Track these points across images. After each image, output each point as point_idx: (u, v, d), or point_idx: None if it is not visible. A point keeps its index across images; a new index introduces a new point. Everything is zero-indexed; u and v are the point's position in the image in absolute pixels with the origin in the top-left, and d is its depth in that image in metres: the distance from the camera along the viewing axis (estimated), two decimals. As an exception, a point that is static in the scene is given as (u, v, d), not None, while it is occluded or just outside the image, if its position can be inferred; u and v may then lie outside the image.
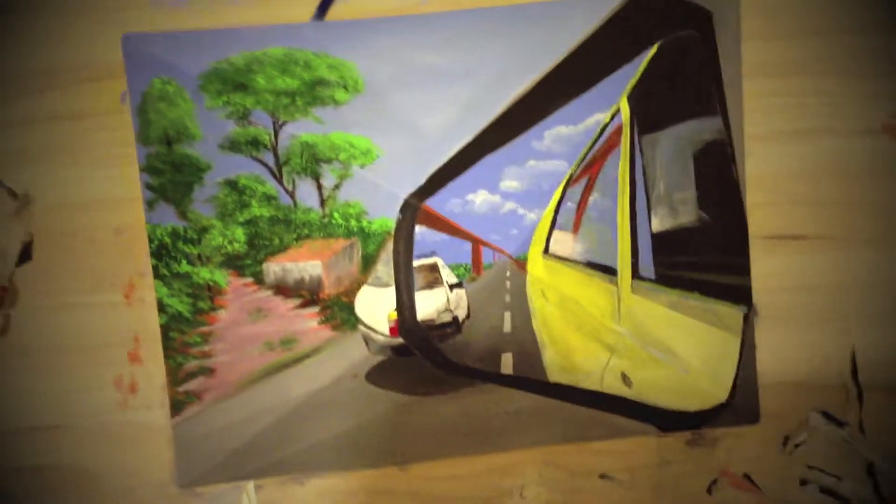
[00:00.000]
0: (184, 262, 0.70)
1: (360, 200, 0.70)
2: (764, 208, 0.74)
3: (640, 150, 0.70)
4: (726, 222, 0.71)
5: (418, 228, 0.70)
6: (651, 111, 0.70)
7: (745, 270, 0.73)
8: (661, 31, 0.69)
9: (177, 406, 0.72)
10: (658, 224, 0.70)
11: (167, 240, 0.70)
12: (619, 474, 0.77)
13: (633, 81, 0.69)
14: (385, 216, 0.70)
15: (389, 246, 0.70)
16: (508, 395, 0.73)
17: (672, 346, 0.71)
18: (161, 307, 0.71)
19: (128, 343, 0.73)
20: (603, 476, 0.77)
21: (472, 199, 0.69)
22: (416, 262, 0.70)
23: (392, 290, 0.71)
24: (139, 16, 0.70)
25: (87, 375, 0.73)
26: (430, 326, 0.72)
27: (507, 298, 0.72)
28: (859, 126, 0.74)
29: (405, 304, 0.70)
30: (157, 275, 0.71)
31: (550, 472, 0.77)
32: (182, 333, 0.71)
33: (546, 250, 0.72)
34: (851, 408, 0.77)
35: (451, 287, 0.71)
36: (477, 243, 0.71)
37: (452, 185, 0.69)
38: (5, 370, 0.72)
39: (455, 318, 0.72)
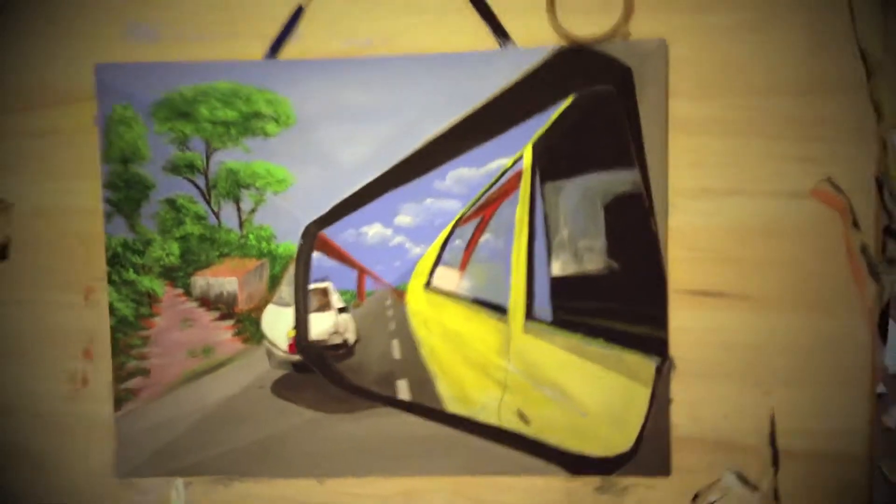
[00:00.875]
0: (131, 270, 0.78)
1: (271, 225, 0.76)
2: (686, 263, 0.76)
3: (542, 196, 0.73)
4: (641, 273, 0.74)
5: (315, 254, 0.76)
6: (557, 160, 0.73)
7: (660, 322, 0.74)
8: (579, 84, 0.72)
9: (118, 402, 0.80)
10: (559, 269, 0.73)
11: (119, 249, 0.78)
12: (526, 512, 0.79)
13: (541, 130, 0.73)
14: (290, 241, 0.76)
15: (292, 268, 0.76)
16: (410, 421, 0.77)
17: (568, 389, 0.74)
18: (111, 310, 0.80)
19: (84, 341, 0.82)
20: (511, 512, 0.79)
21: (365, 231, 0.75)
22: (311, 286, 0.76)
23: (292, 310, 0.77)
24: (112, 47, 0.79)
25: (45, 366, 0.82)
26: (323, 346, 0.77)
27: (392, 326, 0.77)
28: (788, 188, 0.75)
29: (302, 323, 0.76)
30: (109, 280, 0.79)
31: (457, 502, 0.80)
32: (125, 335, 0.79)
33: (428, 284, 0.76)
34: (767, 471, 0.77)
35: (340, 311, 0.76)
36: (362, 272, 0.76)
37: (352, 217, 0.74)
38: (-24, 355, 0.83)
39: (345, 341, 0.77)
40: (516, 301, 0.74)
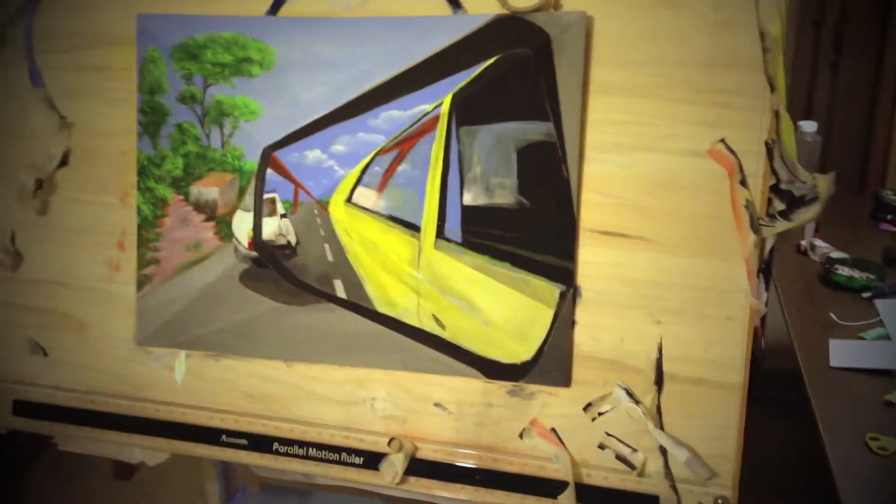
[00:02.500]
0: (152, 179, 1.00)
1: (242, 146, 0.97)
2: (596, 207, 0.91)
3: (458, 138, 0.89)
4: (551, 211, 0.89)
5: (269, 171, 0.95)
6: (474, 108, 0.89)
7: (568, 255, 0.89)
8: (504, 47, 0.88)
9: (139, 284, 1.03)
10: (471, 199, 0.89)
11: (145, 163, 1.01)
12: (449, 406, 0.97)
13: (462, 83, 0.89)
14: (253, 160, 0.97)
15: (253, 181, 0.96)
16: (352, 317, 0.96)
17: (473, 301, 0.91)
18: (138, 211, 1.02)
19: (118, 234, 1.05)
20: (437, 404, 0.97)
21: (306, 155, 0.94)
22: (265, 195, 0.95)
23: (252, 214, 0.97)
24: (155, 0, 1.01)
25: (88, 252, 1.07)
26: (273, 245, 0.97)
27: (322, 232, 0.95)
28: (688, 147, 0.88)
29: (257, 225, 0.97)
30: (138, 187, 1.02)
31: (396, 393, 0.98)
32: (146, 232, 1.02)
33: (349, 199, 0.94)
34: (650, 390, 0.90)
35: (282, 217, 0.95)
36: (297, 186, 0.94)
37: (302, 143, 0.94)
38: (41, 238, 1.08)
39: (289, 242, 0.96)
40: (428, 221, 0.91)
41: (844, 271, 1.82)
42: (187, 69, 0.98)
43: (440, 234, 0.92)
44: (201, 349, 1.02)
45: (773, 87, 0.86)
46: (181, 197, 1.00)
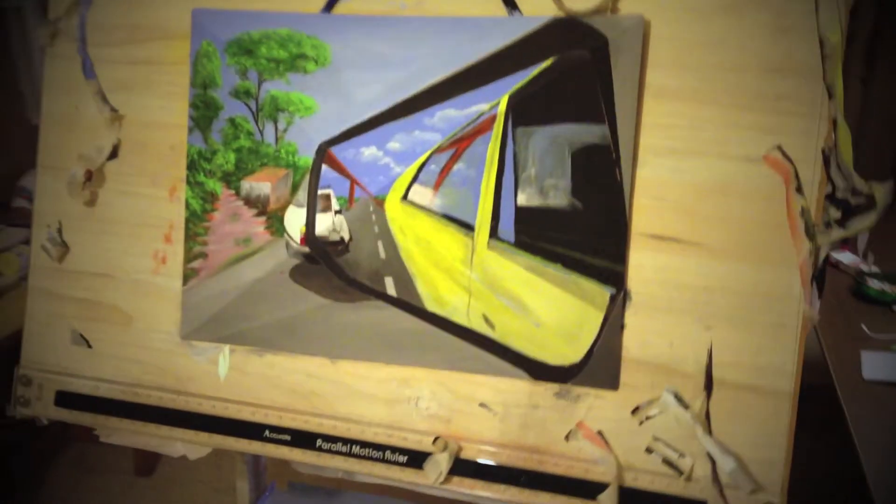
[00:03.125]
0: (201, 174, 1.02)
1: (296, 142, 0.98)
2: (648, 210, 0.91)
3: (513, 138, 0.90)
4: (603, 214, 0.89)
5: (323, 167, 0.96)
6: (531, 109, 0.90)
7: (618, 258, 0.90)
8: (561, 49, 0.88)
9: (185, 278, 1.04)
10: (525, 200, 0.90)
11: (195, 157, 1.02)
12: (494, 406, 0.97)
13: (520, 84, 0.90)
14: (307, 156, 0.98)
15: (307, 177, 0.97)
16: (400, 315, 0.97)
17: (524, 301, 0.91)
18: (187, 205, 1.03)
19: (165, 227, 1.06)
20: (482, 405, 0.98)
21: (362, 151, 0.95)
22: (319, 191, 0.96)
23: (305, 210, 0.98)
24: (208, -4, 1.02)
25: (136, 245, 1.08)
26: (326, 241, 0.98)
27: (376, 229, 0.96)
28: (743, 153, 0.88)
29: (310, 221, 0.98)
30: (187, 181, 1.03)
31: (440, 392, 0.99)
32: (195, 225, 1.03)
33: (405, 197, 0.94)
34: (699, 395, 0.91)
35: (336, 213, 0.96)
36: (353, 182, 0.95)
37: (357, 139, 0.95)
38: (89, 229, 1.09)
39: (342, 238, 0.97)
40: (482, 221, 0.92)
41: (876, 284, 1.82)
42: (242, 64, 0.99)
43: (493, 233, 0.92)
44: (245, 344, 1.03)
45: (831, 95, 0.86)
46: (232, 191, 1.02)
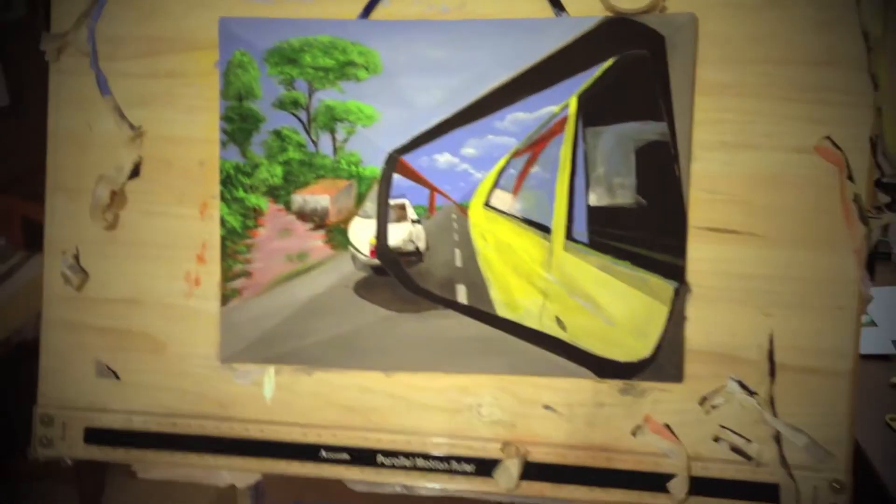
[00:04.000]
0: (240, 189, 0.99)
1: (359, 152, 0.97)
2: (704, 204, 0.94)
3: (584, 139, 0.92)
4: (665, 209, 0.92)
5: (395, 176, 0.96)
6: (598, 109, 0.92)
7: (679, 252, 0.93)
8: (619, 48, 0.91)
9: (224, 299, 1.01)
10: (595, 199, 0.92)
11: (232, 172, 0.99)
12: (559, 407, 0.99)
13: (586, 84, 0.91)
14: (374, 165, 0.97)
15: (375, 187, 0.97)
16: (467, 322, 0.97)
17: (598, 300, 0.93)
18: (222, 222, 1.00)
19: (197, 247, 1.03)
20: (546, 407, 0.99)
21: (437, 158, 0.95)
22: (391, 201, 0.96)
23: (374, 222, 0.98)
24: (235, 4, 1.00)
25: (165, 267, 1.04)
26: (399, 253, 0.97)
27: (456, 237, 0.96)
28: (794, 144, 0.93)
29: (381, 233, 0.96)
30: (222, 198, 1.00)
31: (503, 397, 1.00)
32: (234, 243, 1.00)
33: (487, 203, 0.95)
34: (765, 381, 0.94)
35: (414, 222, 0.96)
36: (433, 190, 0.95)
37: (428, 147, 0.95)
38: (111, 254, 1.04)
39: (417, 248, 0.96)
40: (558, 223, 0.93)
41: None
42: (287, 74, 0.96)
43: (569, 235, 0.94)
44: (293, 363, 1.01)
45: (876, 85, 0.91)
46: (280, 206, 0.99)
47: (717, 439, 0.97)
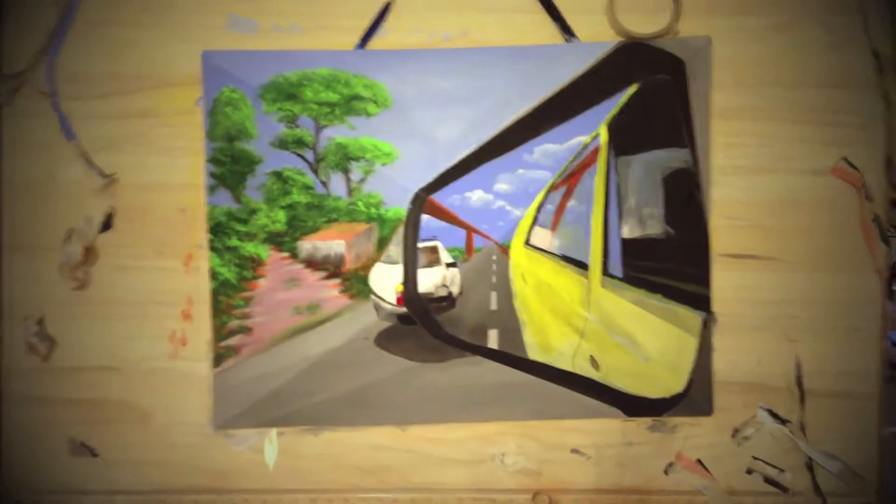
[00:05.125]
0: (234, 237, 0.91)
1: (380, 192, 0.91)
2: (725, 230, 0.94)
3: (615, 169, 0.90)
4: (691, 239, 0.91)
5: (424, 217, 0.90)
6: (627, 138, 0.90)
7: (705, 281, 0.91)
8: (640, 74, 0.89)
9: (218, 358, 0.93)
10: (628, 232, 0.90)
11: (222, 219, 0.92)
12: (587, 450, 0.95)
13: (613, 112, 0.89)
14: (398, 206, 0.92)
15: (400, 230, 0.91)
16: (493, 369, 0.93)
17: (634, 336, 0.90)
18: (213, 275, 0.93)
19: (182, 303, 0.94)
20: (573, 451, 0.95)
21: (469, 196, 0.91)
22: (420, 244, 0.91)
23: (400, 267, 0.92)
24: (215, 36, 0.93)
25: (145, 327, 0.95)
26: (429, 299, 0.92)
27: (494, 279, 0.92)
28: (811, 167, 0.93)
29: (410, 279, 0.91)
30: (212, 247, 0.93)
31: (527, 444, 0.96)
32: (228, 297, 0.92)
33: (527, 242, 0.92)
34: (795, 409, 0.94)
35: (448, 266, 0.91)
36: (470, 231, 0.91)
37: (456, 184, 0.90)
38: (82, 317, 0.95)
39: (450, 294, 0.92)
40: (595, 259, 0.91)
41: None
42: (288, 111, 0.90)
43: (605, 270, 0.91)
44: (299, 424, 0.94)
45: (888, 104, 0.93)
46: (285, 254, 0.92)
47: (750, 471, 0.96)
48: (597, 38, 0.92)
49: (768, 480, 0.96)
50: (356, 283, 0.93)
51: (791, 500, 0.96)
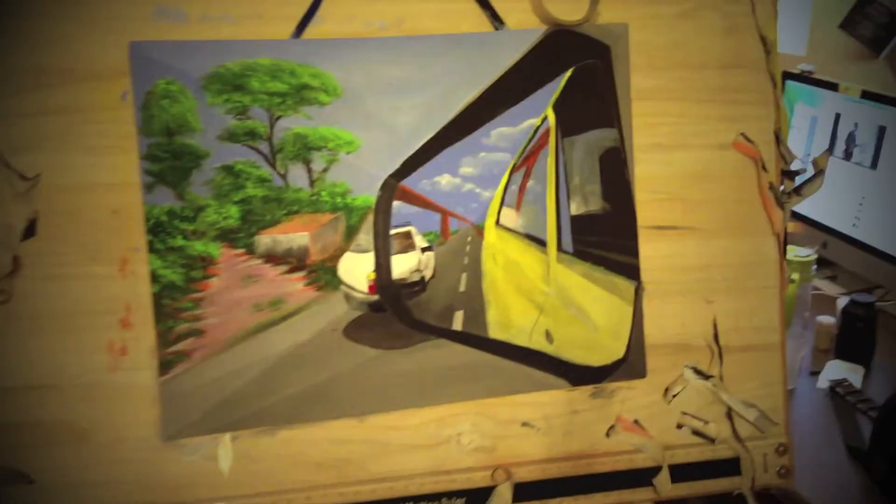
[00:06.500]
0: (179, 237, 0.89)
1: (346, 181, 0.92)
2: (647, 204, 1.03)
3: (563, 150, 0.96)
4: (623, 213, 0.99)
5: (395, 203, 0.92)
6: (570, 119, 0.98)
7: (635, 252, 1.00)
8: (573, 58, 0.96)
9: (166, 365, 0.90)
10: (575, 209, 0.97)
11: (164, 218, 0.89)
12: (537, 423, 1.01)
13: (555, 96, 0.96)
14: (367, 194, 0.93)
15: (370, 218, 0.92)
16: (455, 351, 0.97)
17: (585, 308, 0.98)
18: (155, 278, 0.90)
19: (120, 311, 0.90)
20: (524, 424, 1.01)
21: (438, 181, 0.94)
22: (392, 231, 0.93)
23: (371, 255, 0.93)
24: (142, 27, 0.89)
25: (79, 340, 0.90)
26: (402, 285, 0.94)
27: (465, 261, 0.96)
28: (716, 142, 1.05)
29: (382, 266, 0.93)
30: (152, 249, 0.89)
31: (482, 422, 1.00)
32: (174, 300, 0.89)
33: (497, 222, 0.96)
34: (715, 364, 1.05)
35: (423, 250, 0.93)
36: (445, 214, 0.94)
37: (422, 170, 0.93)
38: (6, 333, 0.88)
39: (422, 278, 0.94)
40: (550, 236, 0.97)
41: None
42: (238, 102, 0.88)
43: (559, 246, 0.96)
44: (256, 426, 0.92)
45: (774, 84, 1.05)
46: (240, 250, 0.90)
47: (679, 426, 1.06)
48: (524, 25, 0.98)
49: (696, 432, 1.06)
50: (323, 275, 0.93)
51: (716, 449, 1.06)
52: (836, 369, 1.59)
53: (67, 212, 0.89)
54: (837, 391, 1.51)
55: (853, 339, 1.63)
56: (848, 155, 1.90)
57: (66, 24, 0.88)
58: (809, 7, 2.21)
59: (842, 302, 1.69)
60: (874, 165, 1.82)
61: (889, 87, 1.97)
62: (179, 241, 0.89)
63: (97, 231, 0.90)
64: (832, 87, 1.96)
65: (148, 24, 0.90)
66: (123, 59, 0.89)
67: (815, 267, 1.67)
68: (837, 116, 1.95)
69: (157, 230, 0.89)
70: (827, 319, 1.70)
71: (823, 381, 1.55)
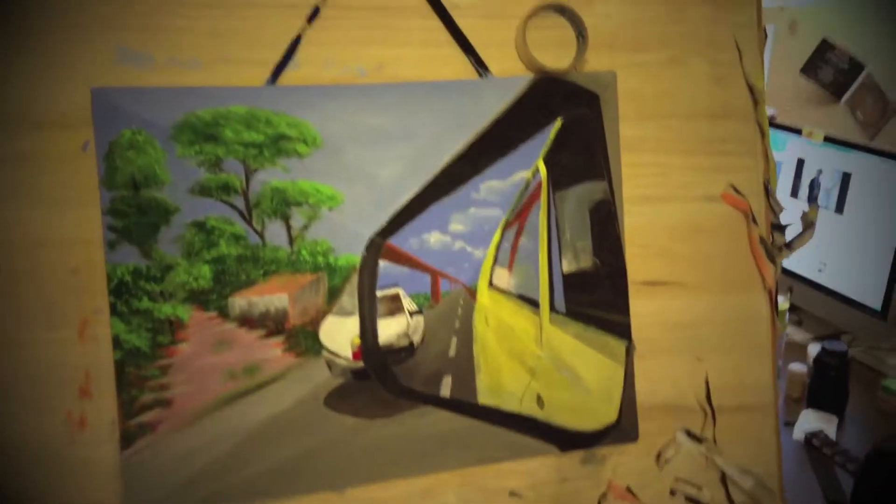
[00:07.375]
0: (145, 298, 0.83)
1: (327, 239, 0.87)
2: (637, 259, 1.00)
3: (555, 204, 0.92)
4: (613, 268, 0.95)
5: (382, 263, 0.87)
6: (560, 172, 0.94)
7: (626, 310, 0.96)
8: (562, 108, 0.93)
9: (129, 439, 0.84)
10: (566, 266, 0.93)
11: (128, 278, 0.82)
12: (525, 491, 0.97)
13: (546, 147, 0.92)
14: (350, 253, 0.88)
15: (354, 279, 0.87)
16: (442, 417, 0.91)
17: (577, 370, 0.93)
18: (117, 343, 0.83)
19: (79, 378, 0.84)
20: (512, 493, 0.96)
21: (426, 238, 0.90)
22: (379, 293, 0.88)
23: (356, 319, 0.88)
24: (105, 71, 0.84)
25: (35, 409, 0.83)
26: (389, 350, 0.89)
27: (457, 324, 0.91)
28: (704, 193, 1.02)
29: (368, 331, 0.87)
30: (114, 311, 0.83)
31: (468, 492, 0.95)
32: (139, 368, 0.83)
33: (490, 283, 0.92)
34: (708, 426, 1.02)
35: (412, 314, 0.88)
36: (436, 275, 0.89)
37: (410, 227, 0.89)
38: (-49, 406, 0.80)
39: (411, 343, 0.89)
40: (543, 296, 0.93)
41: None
42: (210, 153, 0.82)
43: (552, 306, 0.91)
44: (225, 502, 0.85)
45: (762, 133, 1.03)
46: (211, 313, 0.83)
47: (673, 492, 1.02)
48: (509, 72, 0.95)
49: (689, 499, 1.03)
50: (304, 340, 0.87)
51: (710, 515, 1.03)
52: (810, 420, 1.58)
53: (22, 270, 0.83)
54: (814, 443, 1.50)
55: (826, 388, 1.63)
56: (812, 199, 1.92)
57: (21, 63, 0.82)
58: (769, 51, 2.23)
59: (813, 350, 1.69)
60: (840, 209, 1.84)
61: (850, 131, 2.00)
62: (145, 304, 0.83)
63: (54, 291, 0.83)
64: (796, 131, 1.98)
65: (111, 68, 0.84)
66: (85, 106, 0.83)
67: (787, 316, 1.66)
68: (801, 161, 1.97)
69: (121, 291, 0.83)
70: (799, 367, 1.69)
71: (799, 433, 1.54)
